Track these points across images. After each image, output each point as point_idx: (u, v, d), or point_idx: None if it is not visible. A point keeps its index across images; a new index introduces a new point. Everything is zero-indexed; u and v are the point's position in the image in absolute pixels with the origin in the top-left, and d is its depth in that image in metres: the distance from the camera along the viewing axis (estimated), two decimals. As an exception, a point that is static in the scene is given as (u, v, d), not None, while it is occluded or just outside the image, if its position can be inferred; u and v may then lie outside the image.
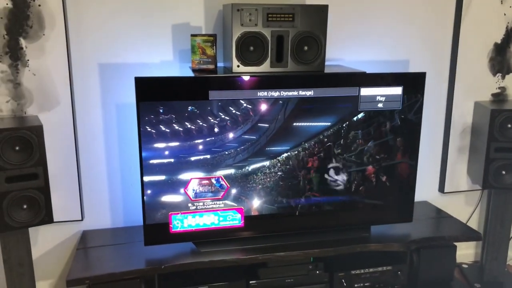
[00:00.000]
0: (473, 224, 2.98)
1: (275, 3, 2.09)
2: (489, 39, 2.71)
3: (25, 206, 2.02)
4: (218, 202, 2.24)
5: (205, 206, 2.23)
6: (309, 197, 2.33)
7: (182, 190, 2.19)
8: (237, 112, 2.16)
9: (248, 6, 2.05)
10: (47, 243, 2.45)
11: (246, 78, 2.12)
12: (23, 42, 2.17)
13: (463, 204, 2.96)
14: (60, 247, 2.47)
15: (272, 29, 2.09)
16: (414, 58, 2.67)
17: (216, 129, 2.16)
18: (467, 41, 2.67)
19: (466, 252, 2.98)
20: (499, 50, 2.73)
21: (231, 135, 2.19)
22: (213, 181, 2.21)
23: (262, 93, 2.16)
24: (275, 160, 2.26)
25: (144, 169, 2.11)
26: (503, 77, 2.77)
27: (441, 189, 2.88)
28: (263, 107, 2.18)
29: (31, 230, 2.20)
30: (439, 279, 2.51)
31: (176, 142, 2.13)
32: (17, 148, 1.97)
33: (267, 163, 2.25)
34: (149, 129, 2.08)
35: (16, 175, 1.98)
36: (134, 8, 2.30)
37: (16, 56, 2.18)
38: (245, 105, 2.16)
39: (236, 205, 2.26)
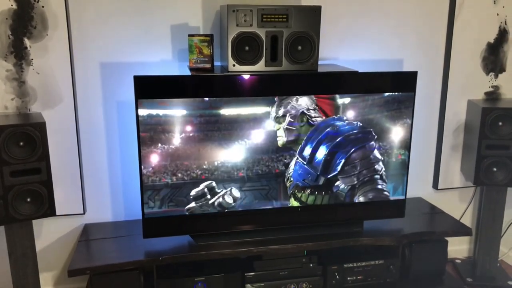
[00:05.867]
0: (467, 220, 3.04)
1: (269, 4, 2.15)
2: (482, 39, 2.76)
3: (28, 199, 2.09)
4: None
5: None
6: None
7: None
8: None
9: (243, 7, 2.11)
10: (50, 236, 2.53)
11: (246, 76, 2.18)
12: (27, 42, 2.25)
13: (457, 201, 3.02)
14: (63, 240, 2.55)
15: (266, 30, 2.15)
16: (408, 57, 2.72)
17: (213, 126, 2.23)
18: (460, 40, 2.72)
19: (459, 247, 3.04)
20: (492, 49, 2.77)
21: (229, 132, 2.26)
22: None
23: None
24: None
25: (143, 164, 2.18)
26: (496, 76, 2.82)
27: (435, 185, 2.93)
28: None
29: (35, 223, 2.28)
30: (431, 273, 2.56)
31: (174, 139, 2.20)
32: (21, 143, 2.05)
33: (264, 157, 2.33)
34: (148, 126, 2.15)
35: (20, 170, 2.06)
36: (135, 9, 2.37)
37: (20, 56, 2.26)
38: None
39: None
